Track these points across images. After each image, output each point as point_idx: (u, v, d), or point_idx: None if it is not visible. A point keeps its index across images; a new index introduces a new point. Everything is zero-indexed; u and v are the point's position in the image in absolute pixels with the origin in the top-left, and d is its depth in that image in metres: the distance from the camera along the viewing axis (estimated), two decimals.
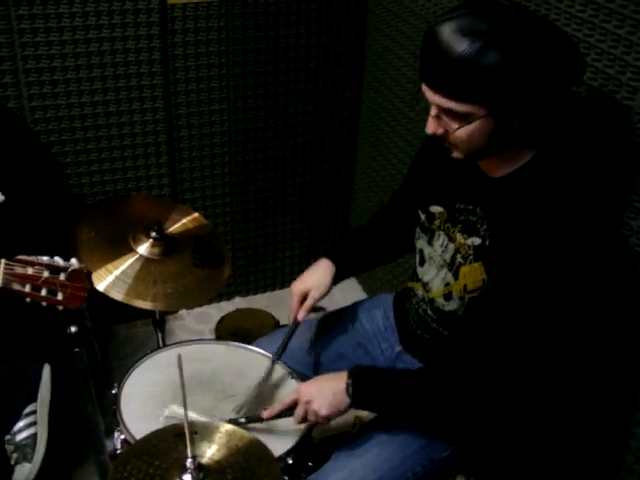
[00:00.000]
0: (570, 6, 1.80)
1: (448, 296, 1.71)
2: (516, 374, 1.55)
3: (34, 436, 2.14)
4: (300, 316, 1.91)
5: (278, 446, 1.60)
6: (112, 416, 1.75)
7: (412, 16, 2.67)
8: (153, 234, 1.99)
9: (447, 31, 1.41)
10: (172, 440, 1.33)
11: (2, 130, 2.17)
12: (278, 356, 1.90)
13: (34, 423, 2.16)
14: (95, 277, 1.87)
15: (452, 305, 1.71)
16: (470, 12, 1.42)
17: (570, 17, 1.80)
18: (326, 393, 1.65)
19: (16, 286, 1.59)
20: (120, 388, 1.78)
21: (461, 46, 1.38)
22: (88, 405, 1.91)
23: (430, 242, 1.79)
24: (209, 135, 2.96)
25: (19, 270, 1.58)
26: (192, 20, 2.71)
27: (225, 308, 3.26)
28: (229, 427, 1.38)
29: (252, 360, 1.93)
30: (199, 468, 1.25)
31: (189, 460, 1.24)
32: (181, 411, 1.69)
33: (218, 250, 2.11)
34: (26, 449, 2.13)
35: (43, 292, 1.60)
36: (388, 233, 2.07)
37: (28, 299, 1.61)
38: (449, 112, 1.48)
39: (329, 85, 3.09)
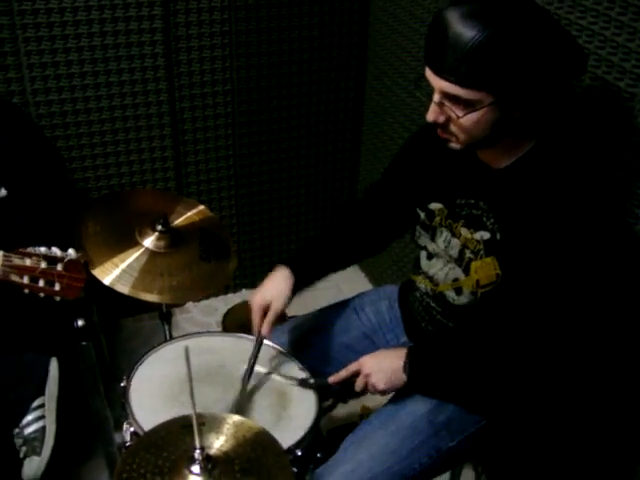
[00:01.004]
0: None
1: (459, 291, 1.71)
2: (534, 359, 1.56)
3: (42, 430, 2.15)
4: (264, 331, 1.81)
5: (287, 438, 1.60)
6: (121, 409, 1.75)
7: (415, 6, 2.66)
8: (159, 227, 1.99)
9: (457, 15, 1.40)
10: (180, 432, 1.33)
11: (6, 125, 2.17)
12: (248, 377, 1.78)
13: (42, 417, 2.17)
14: (101, 271, 1.87)
15: (463, 300, 1.71)
16: None
17: (574, 4, 1.79)
18: (385, 368, 1.69)
19: (14, 277, 1.59)
20: (128, 381, 1.78)
21: (471, 31, 1.37)
22: (96, 398, 1.92)
23: (433, 239, 1.78)
24: (214, 128, 2.96)
25: (17, 261, 1.58)
26: (195, 13, 2.71)
27: (232, 300, 3.26)
28: (237, 418, 1.38)
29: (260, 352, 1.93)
30: (207, 459, 1.25)
31: (197, 451, 1.24)
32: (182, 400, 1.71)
33: (224, 242, 2.11)
34: (35, 443, 2.13)
35: (41, 283, 1.61)
36: (364, 230, 2.00)
37: (26, 290, 1.62)
38: (454, 99, 1.46)
39: (332, 77, 3.09)
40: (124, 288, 1.87)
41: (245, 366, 1.80)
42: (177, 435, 1.33)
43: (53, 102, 2.65)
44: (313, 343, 2.00)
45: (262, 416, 1.71)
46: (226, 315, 2.98)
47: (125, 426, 1.72)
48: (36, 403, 2.17)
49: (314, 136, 3.20)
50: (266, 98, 2.99)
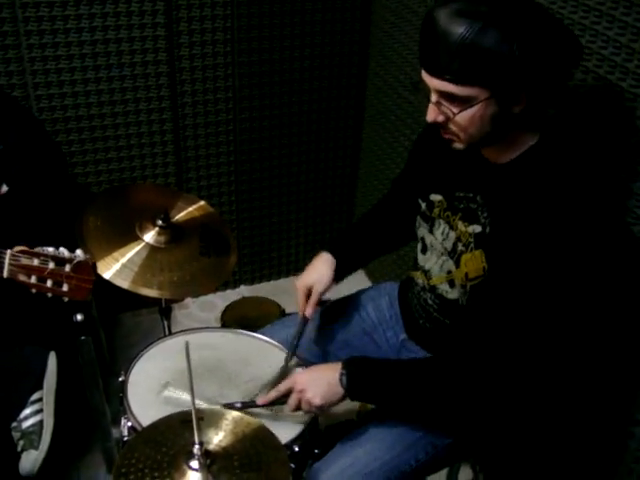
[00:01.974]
0: None
1: (451, 284, 1.71)
2: (516, 361, 1.54)
3: (40, 423, 2.15)
4: (308, 312, 1.89)
5: (285, 434, 1.60)
6: (119, 404, 1.75)
7: (417, 3, 2.66)
8: (159, 222, 2.00)
9: (445, 14, 1.41)
10: (179, 427, 1.33)
11: (7, 120, 2.17)
12: (292, 353, 1.87)
13: (40, 410, 2.17)
14: (101, 265, 1.87)
15: (454, 293, 1.71)
16: None
17: (577, 4, 1.79)
18: (320, 382, 1.65)
19: (22, 277, 1.60)
20: (127, 376, 1.79)
21: (460, 28, 1.37)
22: (94, 393, 1.92)
23: (431, 230, 1.78)
24: (214, 124, 2.96)
25: (25, 261, 1.58)
26: (197, 8, 2.70)
27: (230, 297, 3.26)
28: (236, 414, 1.39)
29: (257, 348, 1.93)
30: (206, 454, 1.25)
31: (196, 446, 1.24)
32: (180, 395, 1.73)
33: (224, 238, 2.11)
34: (32, 436, 2.13)
35: (49, 283, 1.61)
36: (389, 222, 2.06)
37: (34, 290, 1.62)
38: (450, 97, 1.46)
39: (334, 74, 3.09)
40: (124, 283, 1.88)
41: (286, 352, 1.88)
42: (176, 430, 1.33)
43: (54, 96, 2.65)
44: (313, 339, 2.01)
45: (260, 412, 1.71)
46: (225, 311, 2.97)
47: (123, 421, 1.73)
48: (34, 397, 2.17)
49: (315, 133, 3.19)
50: (267, 94, 2.99)
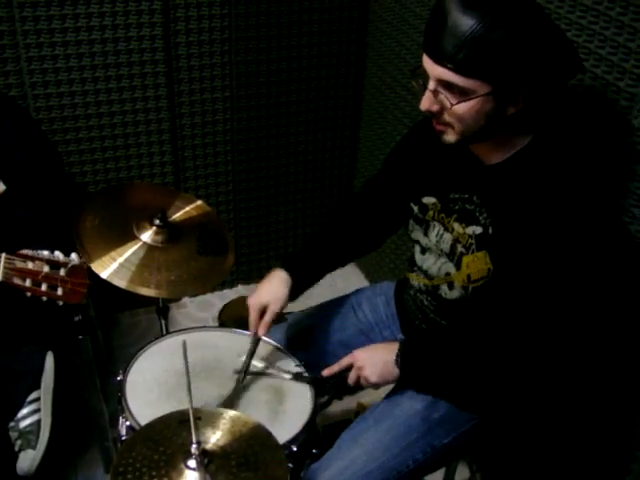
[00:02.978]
0: None
1: (450, 285, 1.71)
2: (526, 355, 1.57)
3: (38, 423, 2.15)
4: (261, 332, 1.84)
5: (283, 433, 1.60)
6: (117, 403, 1.75)
7: (414, 3, 2.66)
8: (157, 222, 2.00)
9: (458, 4, 1.41)
10: (176, 426, 1.33)
11: (4, 119, 2.17)
12: (243, 377, 1.81)
13: (38, 410, 2.17)
14: (99, 264, 1.87)
15: (454, 294, 1.71)
16: None
17: (574, 4, 1.79)
18: (377, 362, 1.70)
19: (17, 280, 1.59)
20: (125, 375, 1.79)
21: (472, 20, 1.38)
22: (92, 392, 1.92)
23: (426, 233, 1.78)
24: (212, 123, 2.96)
25: (19, 264, 1.58)
26: (195, 8, 2.70)
27: (228, 296, 3.26)
28: (233, 413, 1.39)
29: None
30: (204, 454, 1.25)
31: (194, 446, 1.24)
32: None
33: (222, 237, 2.11)
34: (30, 436, 2.13)
35: (43, 287, 1.61)
36: (360, 226, 2.01)
37: (29, 294, 1.62)
38: (449, 86, 1.46)
39: (332, 74, 3.09)
40: (121, 282, 1.87)
41: (241, 364, 1.82)
42: (174, 430, 1.33)
43: (51, 96, 2.65)
44: (310, 340, 2.01)
45: (258, 412, 1.72)
46: (222, 310, 2.98)
47: (121, 420, 1.73)
48: (32, 396, 2.17)
49: (312, 132, 3.19)
50: (264, 94, 2.99)
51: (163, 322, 2.25)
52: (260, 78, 2.94)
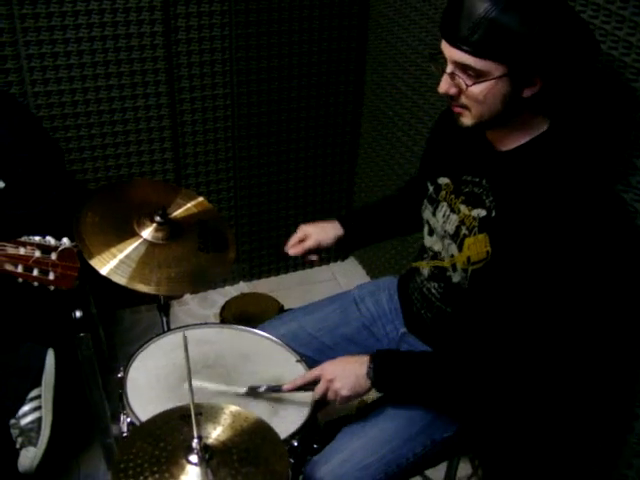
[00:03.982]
0: None
1: (454, 267, 1.72)
2: (521, 346, 1.56)
3: (39, 420, 2.15)
4: (292, 251, 1.99)
5: (283, 429, 1.60)
6: (118, 400, 1.75)
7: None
8: (157, 218, 1.99)
9: None
10: (177, 422, 1.33)
11: (4, 116, 2.16)
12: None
13: (39, 407, 2.17)
14: (99, 261, 1.87)
15: (456, 277, 1.72)
16: None
17: (586, 3, 1.78)
18: (349, 374, 1.68)
19: (8, 267, 1.60)
20: (126, 372, 1.79)
21: (486, 2, 1.41)
22: (94, 389, 1.92)
23: (434, 213, 1.80)
24: (212, 120, 2.96)
25: (11, 251, 1.58)
26: (195, 4, 2.70)
27: (229, 293, 3.27)
28: (234, 408, 1.39)
29: (256, 344, 1.93)
30: (205, 449, 1.25)
31: (195, 440, 1.24)
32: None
33: (223, 234, 2.11)
34: (31, 433, 2.13)
35: (35, 272, 1.61)
36: (400, 205, 2.11)
37: (20, 279, 1.62)
38: (465, 69, 1.49)
39: (332, 70, 3.09)
40: (122, 279, 1.87)
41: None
42: (175, 425, 1.33)
43: (52, 93, 2.64)
44: (312, 335, 2.01)
45: (259, 407, 1.71)
46: (224, 307, 2.97)
47: (122, 417, 1.73)
48: (33, 394, 2.17)
49: (313, 128, 3.19)
50: (265, 90, 2.99)
51: (164, 319, 2.25)
52: (261, 74, 2.94)
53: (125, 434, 1.71)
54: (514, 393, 1.66)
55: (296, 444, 1.64)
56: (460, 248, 1.68)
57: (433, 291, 1.80)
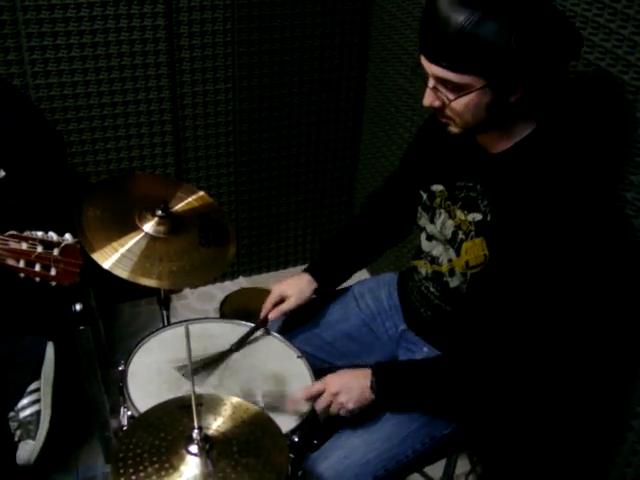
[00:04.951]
0: None
1: (452, 272, 1.72)
2: (521, 346, 1.56)
3: (38, 413, 2.15)
4: (272, 316, 1.92)
5: (284, 424, 1.59)
6: (118, 393, 1.75)
7: None
8: (159, 212, 1.99)
9: (447, 1, 1.42)
10: (177, 412, 1.33)
11: (6, 107, 2.16)
12: (236, 347, 1.88)
13: (38, 400, 2.17)
14: (101, 255, 1.87)
15: (455, 282, 1.71)
16: None
17: (591, 1, 1.78)
18: (354, 387, 1.69)
19: (10, 261, 1.59)
20: (126, 365, 1.79)
21: (460, 16, 1.39)
22: (93, 383, 1.91)
23: (432, 220, 1.79)
24: (214, 114, 2.96)
25: (14, 245, 1.58)
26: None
27: (229, 287, 3.27)
28: (234, 400, 1.38)
29: (257, 339, 1.93)
30: (205, 439, 1.25)
31: (195, 431, 1.24)
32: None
33: (224, 229, 2.11)
34: (30, 426, 2.13)
35: (37, 267, 1.61)
36: (388, 217, 2.06)
37: (22, 274, 1.62)
38: (446, 83, 1.48)
39: (334, 66, 3.08)
40: (123, 272, 1.87)
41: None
42: (174, 416, 1.33)
43: (53, 85, 2.64)
44: (313, 331, 2.01)
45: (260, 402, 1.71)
46: (223, 302, 2.98)
47: (122, 410, 1.73)
48: (32, 387, 2.17)
49: (314, 124, 3.19)
50: (267, 85, 2.99)
51: (164, 313, 2.25)
52: (263, 69, 2.94)
53: (125, 427, 1.70)
54: (514, 394, 1.67)
55: (296, 439, 1.63)
56: (458, 253, 1.68)
57: (432, 290, 1.80)
